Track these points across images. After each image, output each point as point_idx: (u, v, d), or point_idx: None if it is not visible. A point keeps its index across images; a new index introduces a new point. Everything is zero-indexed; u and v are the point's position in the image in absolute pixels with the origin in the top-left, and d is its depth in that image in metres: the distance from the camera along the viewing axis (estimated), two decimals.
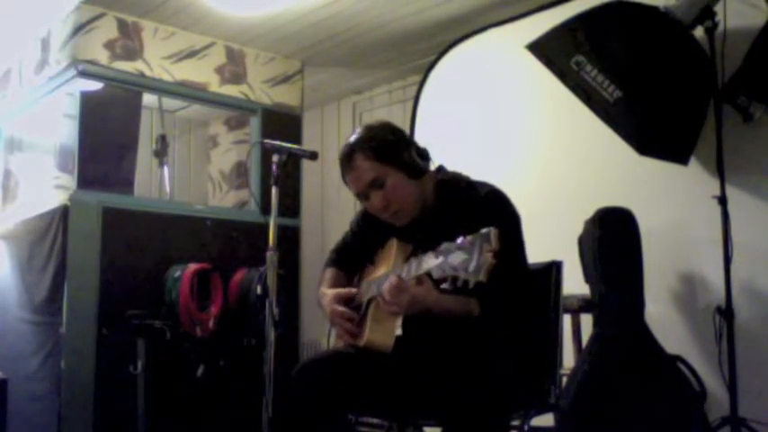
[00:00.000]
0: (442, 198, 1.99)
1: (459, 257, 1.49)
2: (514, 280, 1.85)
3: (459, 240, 1.51)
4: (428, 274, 1.62)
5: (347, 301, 2.04)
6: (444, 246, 1.54)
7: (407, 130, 4.11)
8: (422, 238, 1.87)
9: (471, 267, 1.45)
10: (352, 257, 2.19)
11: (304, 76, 4.56)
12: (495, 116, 3.79)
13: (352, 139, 1.97)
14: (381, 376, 1.93)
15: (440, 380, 1.78)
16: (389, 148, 1.93)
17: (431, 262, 1.58)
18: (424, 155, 1.99)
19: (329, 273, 2.20)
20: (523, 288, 1.90)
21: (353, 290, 2.07)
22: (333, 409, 1.88)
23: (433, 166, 2.04)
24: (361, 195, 1.98)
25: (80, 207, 3.54)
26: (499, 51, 3.75)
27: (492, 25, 3.81)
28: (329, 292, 2.07)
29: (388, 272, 1.88)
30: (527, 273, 1.96)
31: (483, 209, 1.88)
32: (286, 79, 4.46)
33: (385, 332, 1.87)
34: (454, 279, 1.49)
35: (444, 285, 1.52)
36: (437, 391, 1.76)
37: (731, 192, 2.67)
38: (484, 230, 1.47)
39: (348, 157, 1.95)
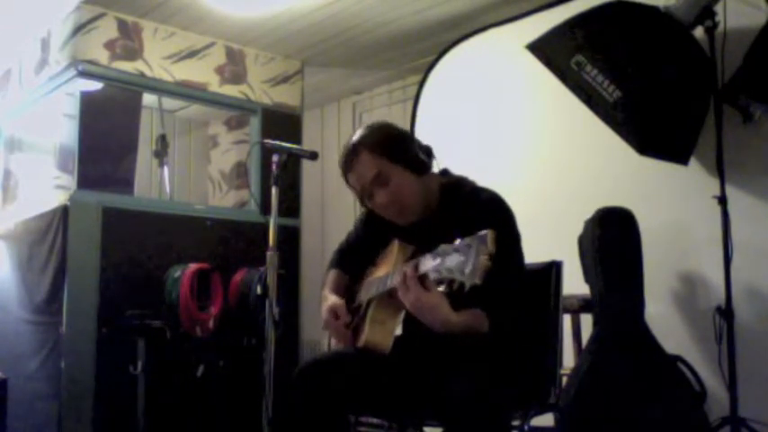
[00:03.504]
0: (445, 201, 1.99)
1: (455, 260, 1.47)
2: (510, 290, 1.83)
3: (457, 242, 1.50)
4: (425, 276, 1.61)
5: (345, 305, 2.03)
6: (441, 248, 1.53)
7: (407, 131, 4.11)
8: (423, 240, 1.86)
9: (467, 270, 1.44)
10: (355, 259, 2.18)
11: (304, 76, 4.55)
12: (495, 116, 3.79)
13: (355, 137, 1.96)
14: (382, 376, 1.93)
15: (440, 379, 1.77)
16: (393, 144, 1.93)
17: (428, 264, 1.57)
18: (427, 151, 1.99)
19: (332, 275, 2.19)
20: (518, 297, 1.87)
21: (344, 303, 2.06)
22: (333, 410, 1.88)
23: (437, 167, 2.04)
24: (365, 193, 1.96)
25: (80, 207, 3.54)
26: (499, 51, 3.75)
27: (492, 25, 3.81)
28: (329, 299, 2.06)
29: (388, 272, 1.88)
30: (521, 281, 1.92)
31: (480, 214, 1.86)
32: (286, 79, 4.46)
33: (384, 333, 1.86)
34: (450, 282, 1.48)
35: (441, 288, 1.52)
36: (437, 391, 1.76)
37: (731, 192, 2.67)
38: (481, 233, 1.46)
39: (351, 154, 1.93)
